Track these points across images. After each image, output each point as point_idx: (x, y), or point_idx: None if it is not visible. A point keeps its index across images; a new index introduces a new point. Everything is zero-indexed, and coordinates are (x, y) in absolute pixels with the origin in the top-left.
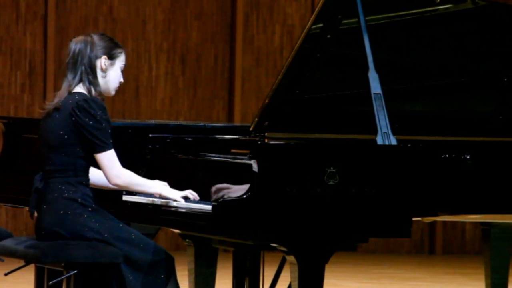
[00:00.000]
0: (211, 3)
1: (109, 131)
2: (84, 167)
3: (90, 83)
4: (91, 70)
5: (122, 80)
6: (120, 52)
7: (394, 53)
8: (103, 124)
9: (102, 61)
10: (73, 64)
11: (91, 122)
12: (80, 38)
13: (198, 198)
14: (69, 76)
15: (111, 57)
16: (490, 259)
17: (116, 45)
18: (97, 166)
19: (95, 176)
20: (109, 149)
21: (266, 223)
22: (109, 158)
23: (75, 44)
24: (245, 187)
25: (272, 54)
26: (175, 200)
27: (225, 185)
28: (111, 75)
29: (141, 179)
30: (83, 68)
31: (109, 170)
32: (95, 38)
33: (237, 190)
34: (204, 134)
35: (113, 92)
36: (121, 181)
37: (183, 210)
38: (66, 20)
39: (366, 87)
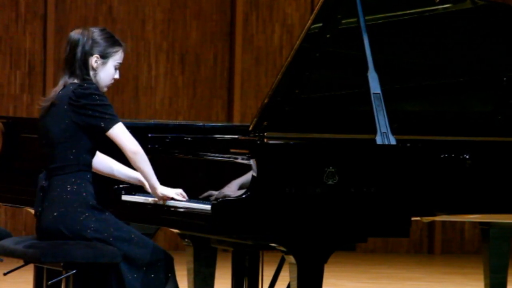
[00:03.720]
0: (210, 2)
1: (111, 106)
2: (87, 162)
3: (84, 79)
4: (85, 66)
5: (117, 76)
6: (116, 51)
7: (393, 53)
8: (104, 100)
9: (93, 60)
10: (70, 60)
11: (92, 101)
12: (78, 31)
13: (186, 197)
14: (66, 72)
15: (104, 56)
16: (489, 258)
17: (114, 43)
18: (105, 152)
19: (101, 161)
20: (118, 121)
21: (265, 222)
22: (122, 129)
23: (73, 37)
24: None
25: (271, 53)
26: (172, 198)
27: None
28: (101, 74)
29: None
30: (77, 64)
31: (126, 140)
32: (94, 33)
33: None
34: (204, 134)
35: (105, 89)
36: (139, 149)
37: (182, 210)
38: (65, 19)
39: (366, 87)
